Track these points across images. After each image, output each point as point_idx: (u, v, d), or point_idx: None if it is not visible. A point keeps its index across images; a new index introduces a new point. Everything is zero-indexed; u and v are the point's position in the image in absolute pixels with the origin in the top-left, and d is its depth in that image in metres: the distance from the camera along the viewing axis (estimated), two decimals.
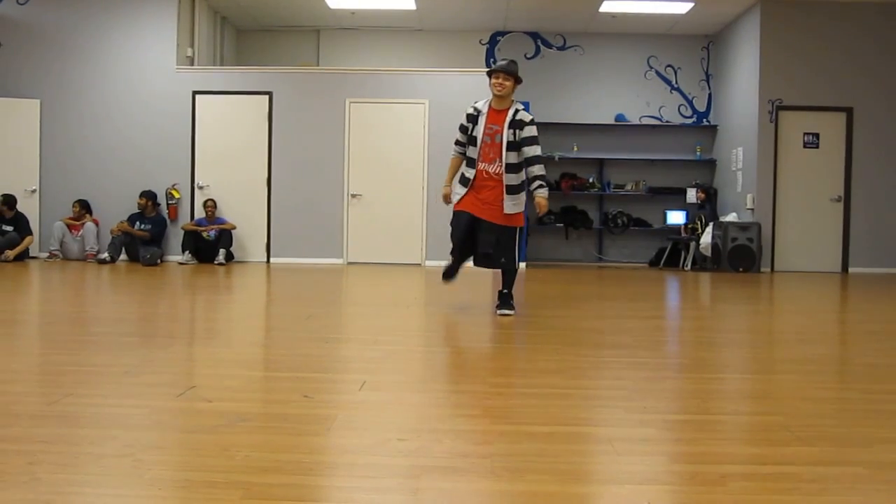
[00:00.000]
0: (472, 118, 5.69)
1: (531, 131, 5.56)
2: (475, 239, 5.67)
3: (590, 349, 4.46)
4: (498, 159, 5.59)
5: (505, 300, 5.74)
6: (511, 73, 5.59)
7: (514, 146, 5.58)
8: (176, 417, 2.79)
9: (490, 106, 5.68)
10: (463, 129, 5.75)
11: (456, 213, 5.72)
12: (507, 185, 5.59)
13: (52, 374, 3.53)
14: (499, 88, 5.57)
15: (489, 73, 5.67)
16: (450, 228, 5.82)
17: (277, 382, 3.48)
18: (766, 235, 10.98)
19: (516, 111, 5.61)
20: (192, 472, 2.20)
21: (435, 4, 11.34)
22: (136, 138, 11.05)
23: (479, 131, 5.62)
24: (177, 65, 11.00)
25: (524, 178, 5.69)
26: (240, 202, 11.07)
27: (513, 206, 5.62)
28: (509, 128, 5.56)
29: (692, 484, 2.18)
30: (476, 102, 5.78)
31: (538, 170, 5.59)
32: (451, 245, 5.86)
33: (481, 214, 5.61)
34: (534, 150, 5.58)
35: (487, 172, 5.61)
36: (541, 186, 5.59)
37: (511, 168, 5.60)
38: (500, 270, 5.80)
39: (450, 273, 5.95)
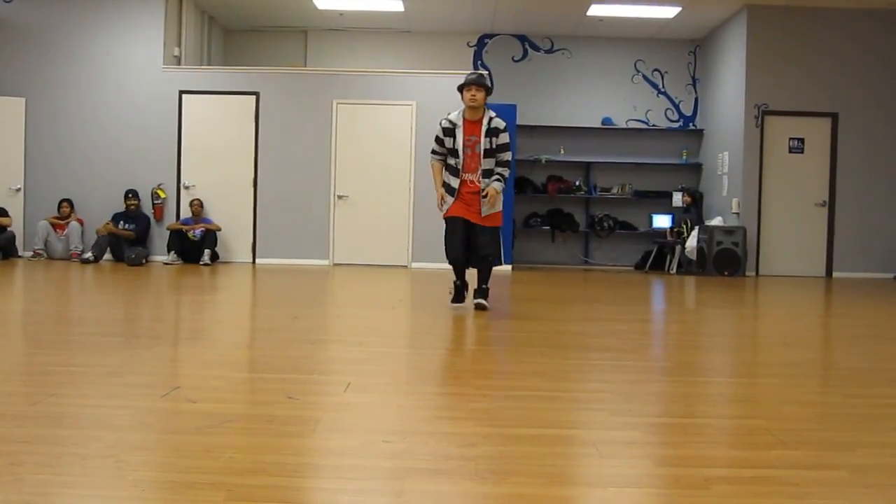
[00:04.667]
0: (450, 131, 5.88)
1: (506, 138, 5.85)
2: (472, 242, 5.90)
3: (575, 352, 4.47)
4: (479, 168, 5.87)
5: (485, 294, 6.02)
6: (483, 84, 5.79)
7: (491, 153, 5.85)
8: (160, 418, 2.78)
9: (464, 117, 5.88)
10: (439, 141, 5.95)
11: (449, 220, 5.92)
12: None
13: (36, 375, 3.51)
14: (473, 101, 5.78)
15: (461, 88, 5.86)
16: (443, 237, 5.98)
17: (262, 384, 3.47)
18: (751, 239, 11.03)
19: (490, 119, 5.85)
20: (175, 474, 2.19)
21: (423, 6, 11.34)
22: (122, 137, 10.99)
23: (460, 143, 5.85)
24: (164, 64, 10.95)
25: None
26: (226, 202, 11.03)
27: (490, 206, 5.85)
28: (486, 136, 5.81)
29: (676, 487, 2.19)
30: (449, 115, 5.96)
31: (504, 170, 5.90)
32: (446, 257, 6.01)
33: (474, 219, 5.86)
34: (507, 156, 5.89)
35: (472, 181, 5.88)
36: (498, 180, 5.85)
37: (487, 173, 5.88)
38: (476, 269, 6.06)
39: (460, 296, 6.08)
